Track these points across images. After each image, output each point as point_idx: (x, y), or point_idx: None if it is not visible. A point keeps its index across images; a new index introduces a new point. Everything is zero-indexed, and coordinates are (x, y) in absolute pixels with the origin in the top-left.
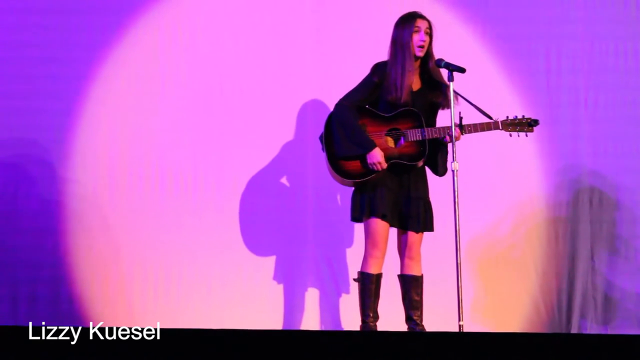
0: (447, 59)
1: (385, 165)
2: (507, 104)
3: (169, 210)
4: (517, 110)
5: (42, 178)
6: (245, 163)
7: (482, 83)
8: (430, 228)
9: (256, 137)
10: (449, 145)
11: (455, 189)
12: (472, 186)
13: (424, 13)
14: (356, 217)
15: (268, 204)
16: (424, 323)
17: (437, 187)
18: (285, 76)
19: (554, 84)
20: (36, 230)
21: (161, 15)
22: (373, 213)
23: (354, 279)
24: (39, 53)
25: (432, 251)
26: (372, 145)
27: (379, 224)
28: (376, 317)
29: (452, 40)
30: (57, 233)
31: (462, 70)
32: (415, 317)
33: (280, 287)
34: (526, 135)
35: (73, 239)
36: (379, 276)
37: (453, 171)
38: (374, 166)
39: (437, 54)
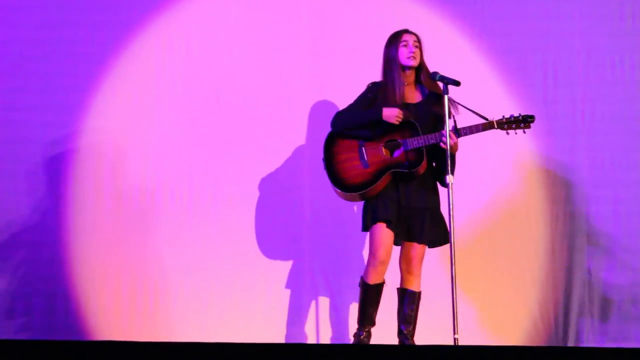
0: (444, 72)
1: (401, 116)
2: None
3: (165, 222)
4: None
5: (37, 191)
6: (241, 174)
7: (479, 96)
8: (438, 242)
9: (252, 148)
10: (451, 155)
11: (451, 202)
12: (468, 199)
13: (421, 25)
14: (364, 229)
15: (265, 215)
16: (418, 336)
17: None
18: (281, 86)
19: (551, 96)
20: (32, 243)
21: (158, 28)
22: (376, 219)
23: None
24: (37, 66)
25: (427, 264)
26: (380, 109)
27: (382, 231)
28: (372, 324)
29: (449, 52)
30: (53, 246)
31: (456, 83)
32: (406, 332)
33: (278, 298)
34: (524, 132)
35: (69, 251)
36: (378, 286)
37: (448, 184)
38: (397, 119)
39: (435, 67)
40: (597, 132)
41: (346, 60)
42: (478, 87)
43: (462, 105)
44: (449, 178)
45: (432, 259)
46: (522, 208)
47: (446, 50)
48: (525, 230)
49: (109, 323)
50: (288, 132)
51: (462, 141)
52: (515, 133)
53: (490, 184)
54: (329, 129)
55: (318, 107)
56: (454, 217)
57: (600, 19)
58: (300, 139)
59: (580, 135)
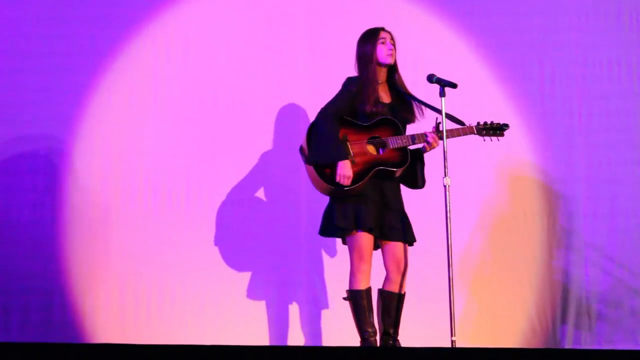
0: (440, 73)
1: (349, 182)
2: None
3: (162, 223)
4: (514, 131)
5: (34, 192)
6: (238, 176)
7: (479, 103)
8: (414, 240)
9: (250, 149)
10: (422, 159)
11: (448, 204)
12: (467, 202)
13: (418, 25)
14: (336, 230)
15: (262, 217)
16: (415, 338)
17: (426, 200)
18: (279, 88)
19: (548, 99)
20: (28, 245)
21: (155, 30)
22: (360, 227)
23: (344, 298)
24: (35, 65)
25: (424, 266)
26: (345, 157)
27: (365, 238)
28: (375, 332)
29: (445, 53)
30: (49, 248)
31: (453, 85)
32: (393, 333)
33: (275, 301)
34: (498, 140)
35: (66, 253)
36: (368, 290)
37: (445, 186)
38: (342, 178)
39: (432, 67)
40: (595, 137)
41: (343, 61)
42: (474, 87)
43: (432, 108)
44: (447, 180)
45: (431, 261)
46: (520, 212)
47: (443, 50)
48: (523, 234)
49: (106, 325)
50: (286, 134)
51: (463, 144)
52: (491, 140)
53: (488, 188)
54: None
55: (316, 109)
56: (451, 219)
57: (596, 17)
58: (298, 141)
59: (578, 142)
